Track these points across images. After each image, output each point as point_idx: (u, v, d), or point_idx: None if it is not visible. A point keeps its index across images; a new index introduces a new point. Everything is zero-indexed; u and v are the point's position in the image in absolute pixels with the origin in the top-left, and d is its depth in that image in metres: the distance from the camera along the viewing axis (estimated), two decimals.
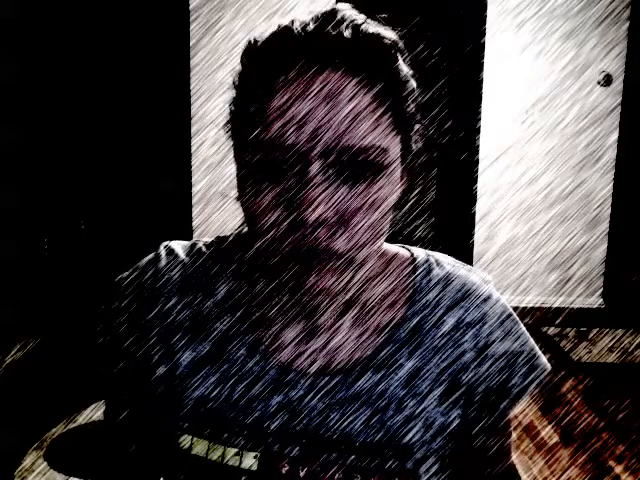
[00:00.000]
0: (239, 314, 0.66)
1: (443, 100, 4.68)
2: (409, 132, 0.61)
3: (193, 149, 3.87)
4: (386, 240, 0.67)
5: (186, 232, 3.95)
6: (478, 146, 4.13)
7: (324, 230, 0.55)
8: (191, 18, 3.85)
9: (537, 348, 0.69)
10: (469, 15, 4.11)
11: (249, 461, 0.63)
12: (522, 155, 4.11)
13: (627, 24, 3.97)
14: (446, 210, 4.65)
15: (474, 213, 4.19)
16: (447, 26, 4.51)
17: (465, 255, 4.17)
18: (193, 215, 4.00)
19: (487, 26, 4.02)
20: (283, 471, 0.62)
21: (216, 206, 3.87)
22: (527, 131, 4.09)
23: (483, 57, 4.05)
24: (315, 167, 0.54)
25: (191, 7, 3.84)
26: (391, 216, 0.61)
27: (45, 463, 2.30)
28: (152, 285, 0.68)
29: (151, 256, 0.70)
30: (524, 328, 0.70)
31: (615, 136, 4.08)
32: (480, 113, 4.10)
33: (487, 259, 4.19)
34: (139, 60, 3.70)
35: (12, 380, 2.94)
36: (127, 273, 0.70)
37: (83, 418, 2.60)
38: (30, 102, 3.59)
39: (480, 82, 4.08)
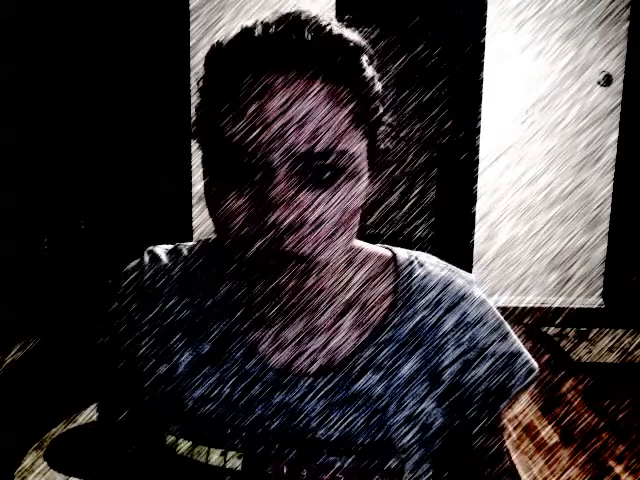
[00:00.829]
0: (238, 315, 0.67)
1: (443, 100, 4.68)
2: (375, 134, 0.61)
3: (193, 149, 3.87)
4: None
5: (186, 232, 3.95)
6: (478, 146, 4.13)
7: (290, 234, 0.55)
8: (191, 18, 3.85)
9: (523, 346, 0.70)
10: (469, 15, 4.11)
11: (233, 461, 0.63)
12: (522, 155, 4.11)
13: (627, 24, 3.97)
14: (446, 210, 4.65)
15: (474, 213, 4.19)
16: (447, 26, 4.52)
17: (465, 255, 4.18)
18: (193, 215, 4.00)
19: (487, 26, 4.02)
20: (268, 471, 0.62)
21: None
22: (527, 131, 4.09)
23: (483, 57, 4.05)
24: (279, 171, 0.54)
25: (191, 7, 3.85)
26: (359, 217, 0.60)
27: (45, 463, 2.30)
28: (152, 285, 0.68)
29: (140, 258, 0.71)
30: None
31: (615, 136, 4.08)
32: (480, 113, 4.10)
33: (487, 259, 4.19)
34: (139, 60, 3.70)
35: (12, 380, 2.94)
36: (119, 275, 0.70)
37: (83, 418, 2.60)
38: (30, 102, 3.59)
39: (480, 82, 4.08)
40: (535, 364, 0.69)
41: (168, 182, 3.76)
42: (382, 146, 0.62)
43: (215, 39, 0.60)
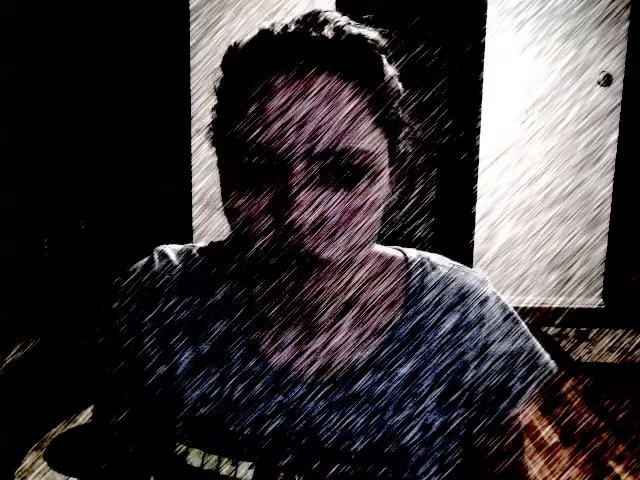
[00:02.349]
0: (238, 315, 0.66)
1: (443, 100, 4.68)
2: (396, 134, 0.60)
3: (193, 149, 3.87)
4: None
5: (186, 232, 3.95)
6: (478, 146, 4.13)
7: (307, 234, 0.54)
8: (191, 18, 3.84)
9: (539, 347, 0.69)
10: (469, 15, 4.11)
11: (244, 471, 0.62)
12: (522, 155, 4.11)
13: (627, 24, 3.97)
14: (446, 210, 4.65)
15: (474, 213, 4.19)
16: (447, 26, 4.51)
17: (465, 255, 4.17)
18: (193, 215, 4.00)
19: (487, 26, 4.02)
20: None
21: (216, 206, 3.87)
22: (527, 131, 4.09)
23: (483, 57, 4.05)
24: (298, 170, 0.53)
25: (191, 7, 3.84)
26: (379, 219, 0.60)
27: (45, 463, 2.30)
28: (151, 286, 0.68)
29: (149, 257, 0.70)
30: (525, 327, 0.70)
31: (615, 136, 4.08)
32: (480, 113, 4.10)
33: (487, 259, 4.18)
34: (139, 60, 3.70)
35: (12, 380, 2.94)
36: (125, 274, 0.70)
37: (83, 418, 2.60)
38: (30, 102, 3.58)
39: (480, 82, 4.08)
40: (543, 361, 0.69)
41: (168, 182, 3.75)
42: (402, 148, 0.62)
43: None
